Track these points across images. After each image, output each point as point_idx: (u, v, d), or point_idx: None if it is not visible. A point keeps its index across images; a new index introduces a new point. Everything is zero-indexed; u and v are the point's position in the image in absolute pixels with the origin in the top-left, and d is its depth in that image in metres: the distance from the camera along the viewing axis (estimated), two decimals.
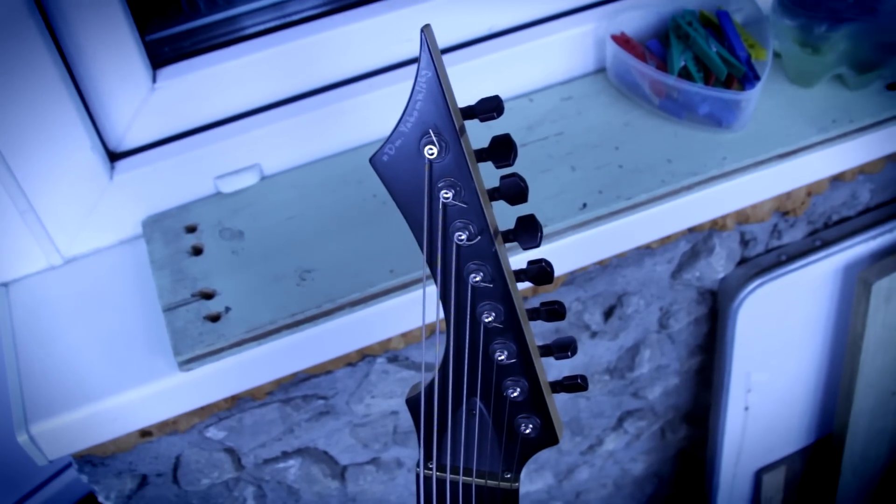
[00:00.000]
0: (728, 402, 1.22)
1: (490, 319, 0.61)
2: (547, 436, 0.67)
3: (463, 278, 0.60)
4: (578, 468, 1.35)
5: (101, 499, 0.97)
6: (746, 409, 1.25)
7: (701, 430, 1.40)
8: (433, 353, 0.64)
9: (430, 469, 0.69)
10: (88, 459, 0.93)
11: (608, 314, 1.10)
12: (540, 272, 0.61)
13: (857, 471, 1.34)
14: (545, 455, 1.28)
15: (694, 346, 1.23)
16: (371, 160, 0.55)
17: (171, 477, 0.99)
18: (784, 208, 1.08)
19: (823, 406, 1.33)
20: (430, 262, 0.60)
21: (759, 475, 1.37)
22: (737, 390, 1.22)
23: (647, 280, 1.08)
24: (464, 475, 0.69)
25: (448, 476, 0.69)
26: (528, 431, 0.66)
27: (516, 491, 0.69)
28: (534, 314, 0.64)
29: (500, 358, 0.63)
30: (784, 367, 1.24)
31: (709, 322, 1.20)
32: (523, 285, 0.63)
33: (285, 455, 1.04)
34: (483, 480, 0.69)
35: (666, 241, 1.04)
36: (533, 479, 1.32)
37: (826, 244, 1.14)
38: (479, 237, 0.57)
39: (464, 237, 0.57)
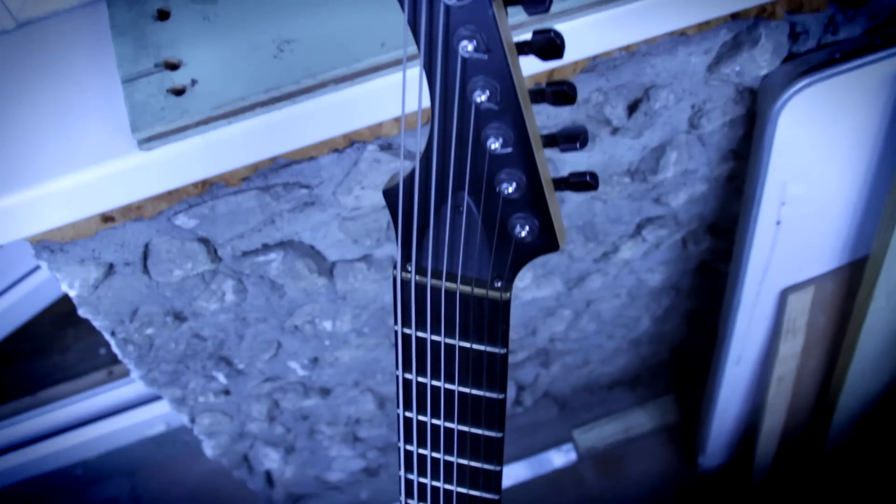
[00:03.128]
0: (759, 214, 1.12)
1: (483, 98, 0.51)
2: (545, 240, 0.57)
3: (452, 47, 0.49)
4: (591, 276, 1.27)
5: (64, 287, 0.89)
6: (778, 223, 1.15)
7: (726, 242, 1.31)
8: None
9: (409, 272, 0.60)
10: (46, 245, 0.85)
11: (633, 108, 0.98)
12: (547, 44, 0.50)
13: (892, 297, 1.25)
14: (555, 260, 1.20)
15: (726, 150, 1.11)
16: None
17: (140, 266, 0.91)
18: None
19: (862, 226, 1.23)
20: (413, 25, 0.49)
21: (784, 294, 1.28)
22: (769, 202, 1.12)
23: (679, 72, 0.96)
24: (447, 281, 0.60)
25: (429, 281, 0.60)
26: (523, 234, 0.57)
27: (507, 302, 0.60)
28: (537, 96, 0.54)
29: (493, 146, 0.53)
30: (825, 180, 1.13)
31: (745, 125, 1.08)
32: (530, 67, 0.53)
33: (266, 248, 0.95)
34: (469, 288, 0.60)
35: (704, 28, 0.91)
36: (541, 285, 1.24)
37: (887, 43, 1.01)
38: None
39: None
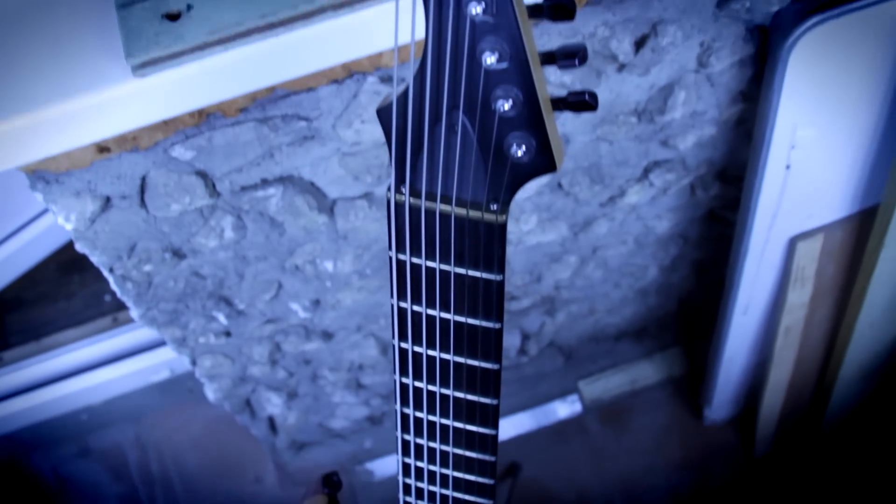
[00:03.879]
0: (768, 157, 1.10)
1: (479, 10, 0.49)
2: (543, 161, 0.55)
3: None
4: (597, 221, 1.25)
5: (60, 221, 0.88)
6: (788, 167, 1.13)
7: (735, 190, 1.29)
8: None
9: (403, 194, 0.59)
10: (41, 176, 0.84)
11: (640, 44, 0.96)
12: None
13: None
14: (560, 203, 1.18)
15: (736, 92, 1.09)
16: None
17: (137, 200, 0.90)
18: None
19: (873, 173, 1.20)
20: None
21: (793, 242, 1.26)
22: (779, 146, 1.09)
23: (687, 7, 0.93)
24: (441, 203, 0.58)
25: (423, 203, 0.59)
26: (519, 154, 0.55)
27: (503, 225, 0.59)
28: (536, 11, 0.52)
29: (488, 61, 0.51)
30: (836, 123, 1.11)
31: (755, 65, 1.06)
32: None
33: (265, 183, 0.94)
34: (464, 211, 0.59)
35: None
36: (546, 230, 1.23)
37: None
38: None
39: None
